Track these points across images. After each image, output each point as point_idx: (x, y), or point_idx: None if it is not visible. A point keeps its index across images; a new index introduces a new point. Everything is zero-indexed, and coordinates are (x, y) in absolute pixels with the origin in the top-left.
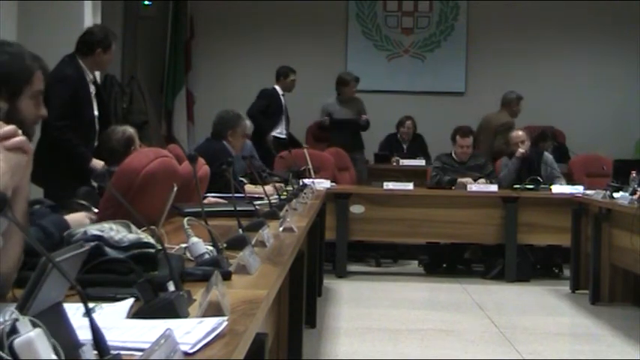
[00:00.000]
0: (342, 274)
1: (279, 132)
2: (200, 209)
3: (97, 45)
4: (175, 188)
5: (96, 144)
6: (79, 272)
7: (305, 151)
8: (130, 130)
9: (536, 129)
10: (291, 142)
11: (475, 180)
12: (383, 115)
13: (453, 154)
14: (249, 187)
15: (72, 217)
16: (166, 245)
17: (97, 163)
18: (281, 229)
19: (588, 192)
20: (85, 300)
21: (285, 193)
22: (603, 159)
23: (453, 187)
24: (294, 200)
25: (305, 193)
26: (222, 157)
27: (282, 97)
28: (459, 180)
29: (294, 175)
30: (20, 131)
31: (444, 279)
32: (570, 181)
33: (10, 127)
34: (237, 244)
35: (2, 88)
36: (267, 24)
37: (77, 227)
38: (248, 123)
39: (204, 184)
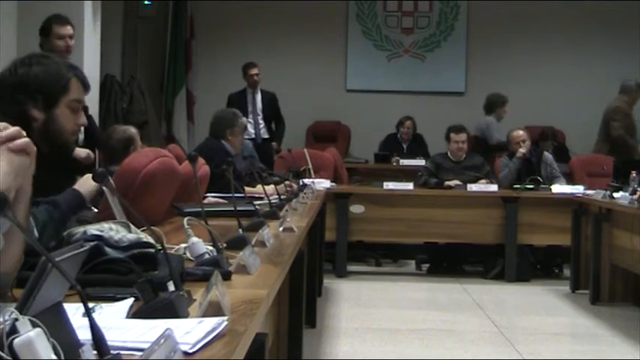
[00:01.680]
0: (342, 274)
1: (247, 134)
2: (200, 209)
3: (40, 34)
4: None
5: (82, 137)
6: (79, 272)
7: (305, 151)
8: (132, 130)
9: (536, 129)
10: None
11: (474, 181)
12: (383, 115)
13: (449, 154)
14: (248, 188)
15: (81, 183)
16: (166, 245)
17: (80, 152)
18: (281, 229)
19: (588, 192)
20: (85, 300)
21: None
22: (604, 159)
23: (454, 187)
24: (294, 200)
25: (305, 193)
26: (221, 156)
27: (249, 96)
28: (446, 183)
29: (294, 175)
30: (24, 132)
31: (444, 279)
32: (571, 181)
33: (14, 129)
34: (237, 244)
35: (38, 98)
36: (267, 24)
37: (87, 190)
38: (244, 120)
39: (204, 184)
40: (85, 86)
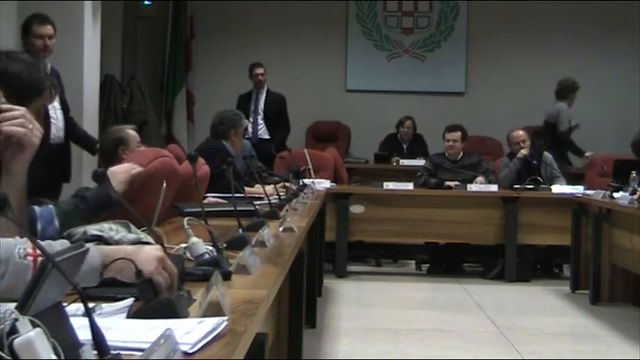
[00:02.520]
0: (342, 274)
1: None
2: (200, 209)
3: (21, 32)
4: (165, 185)
5: (63, 133)
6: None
7: (305, 151)
8: (126, 130)
9: (533, 128)
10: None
11: (472, 180)
12: (383, 115)
13: (446, 154)
14: (248, 188)
15: (119, 168)
16: (166, 245)
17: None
18: (281, 229)
19: (588, 192)
20: (85, 300)
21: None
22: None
23: (454, 187)
24: (294, 200)
25: (305, 193)
26: (222, 156)
27: (254, 96)
28: (446, 183)
29: (294, 175)
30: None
31: (444, 279)
32: (581, 182)
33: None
34: (237, 244)
35: (12, 94)
36: (267, 24)
37: (122, 176)
38: (246, 121)
39: (204, 184)
40: (53, 95)
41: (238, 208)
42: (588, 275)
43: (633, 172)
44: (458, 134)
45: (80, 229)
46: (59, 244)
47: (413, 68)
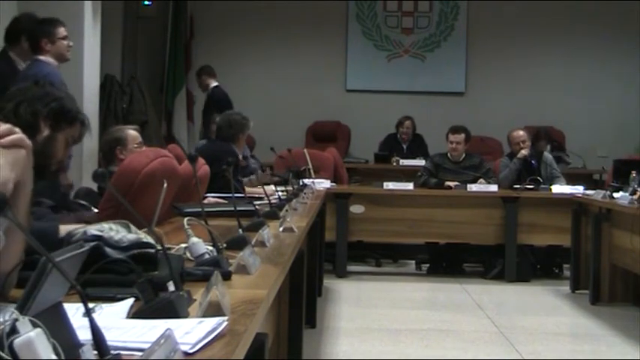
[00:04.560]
0: (342, 274)
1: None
2: (200, 209)
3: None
4: (165, 185)
5: None
6: (80, 273)
7: (305, 151)
8: (126, 130)
9: (535, 129)
10: None
11: (473, 181)
12: (383, 115)
13: (449, 154)
14: (248, 189)
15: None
16: (166, 245)
17: None
18: (281, 229)
19: (588, 192)
20: (85, 300)
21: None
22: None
23: (454, 187)
24: (294, 200)
25: (305, 193)
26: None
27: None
28: (446, 183)
29: (294, 175)
30: (17, 129)
31: (444, 279)
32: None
33: (5, 127)
34: (237, 244)
35: (50, 115)
36: (267, 24)
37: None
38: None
39: (204, 184)
40: (84, 130)
41: (238, 208)
42: (588, 275)
43: (633, 172)
44: (462, 136)
45: (80, 230)
46: None
47: (413, 68)
